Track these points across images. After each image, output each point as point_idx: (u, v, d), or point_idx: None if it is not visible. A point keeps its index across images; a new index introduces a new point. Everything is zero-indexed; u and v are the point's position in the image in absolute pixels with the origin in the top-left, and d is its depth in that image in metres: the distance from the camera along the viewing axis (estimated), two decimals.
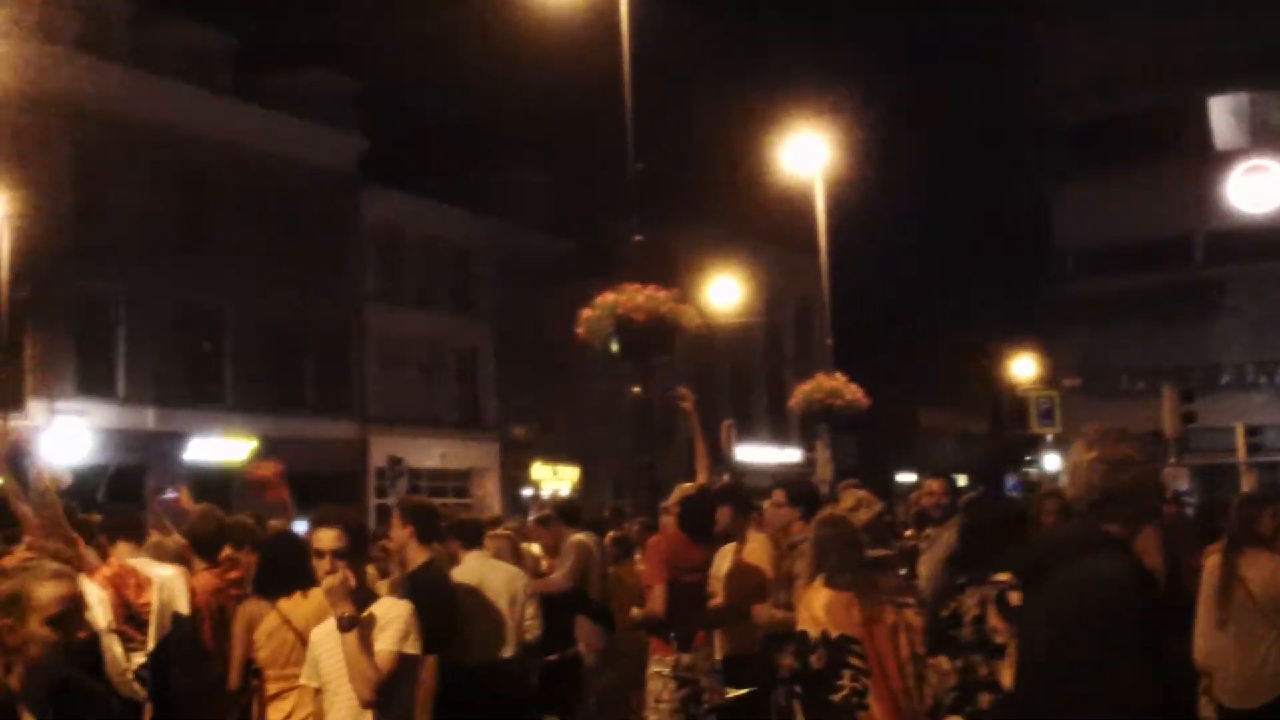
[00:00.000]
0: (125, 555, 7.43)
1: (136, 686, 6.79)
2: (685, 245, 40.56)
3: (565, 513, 10.88)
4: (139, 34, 32.04)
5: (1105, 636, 3.31)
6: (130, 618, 6.93)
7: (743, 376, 50.55)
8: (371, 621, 5.05)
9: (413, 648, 5.10)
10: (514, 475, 41.00)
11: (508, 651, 7.98)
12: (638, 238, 14.65)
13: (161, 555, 7.82)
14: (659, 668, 7.76)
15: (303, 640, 6.22)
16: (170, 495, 10.04)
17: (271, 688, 6.46)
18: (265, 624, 6.51)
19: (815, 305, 42.43)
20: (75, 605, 3.83)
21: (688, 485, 8.42)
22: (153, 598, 7.09)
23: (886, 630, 5.75)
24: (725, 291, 38.68)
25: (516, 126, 42.92)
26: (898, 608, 5.92)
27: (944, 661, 5.64)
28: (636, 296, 13.20)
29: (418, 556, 7.21)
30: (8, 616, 3.71)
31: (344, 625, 4.96)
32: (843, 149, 24.61)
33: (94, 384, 30.12)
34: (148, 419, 31.10)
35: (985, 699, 5.37)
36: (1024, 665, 3.70)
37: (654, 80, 18.07)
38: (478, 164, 41.81)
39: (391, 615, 5.10)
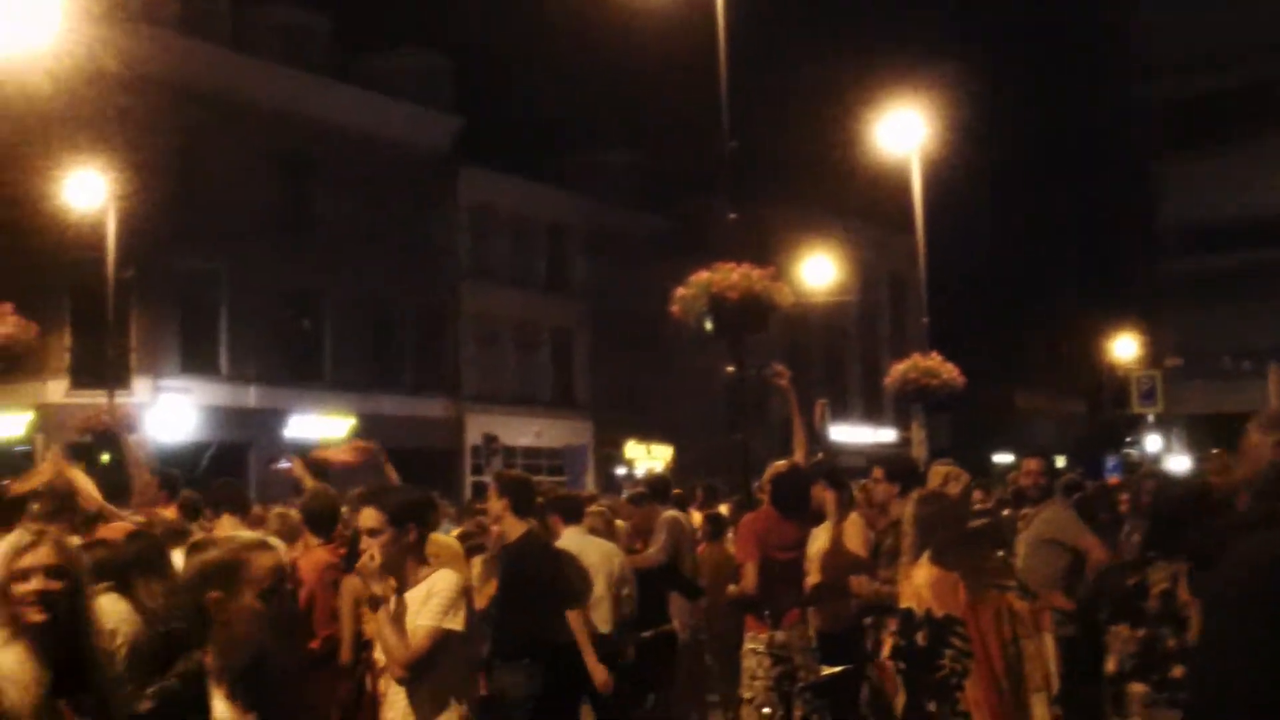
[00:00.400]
0: (229, 527, 7.59)
1: None
2: (780, 223, 40.34)
3: (658, 490, 10.91)
4: (240, 16, 32.57)
5: (1277, 616, 3.27)
6: None
7: (836, 356, 50.26)
8: (403, 606, 5.04)
9: (455, 623, 5.03)
10: (607, 453, 41.16)
11: (605, 626, 8.08)
12: (732, 216, 14.60)
13: (282, 528, 7.97)
14: (754, 645, 7.78)
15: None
16: (283, 465, 10.23)
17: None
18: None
19: (910, 284, 42.09)
20: (282, 577, 3.85)
21: (780, 463, 8.41)
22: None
23: (991, 612, 5.70)
24: (819, 270, 38.41)
25: (611, 105, 42.96)
26: (1000, 590, 5.88)
27: (1124, 629, 5.74)
28: (731, 274, 13.18)
29: (515, 528, 7.33)
30: (219, 589, 3.67)
31: (372, 604, 5.02)
32: (939, 126, 24.32)
33: (197, 362, 30.73)
34: (249, 396, 31.67)
35: (1178, 670, 5.38)
36: (1200, 642, 3.71)
37: (749, 55, 18.00)
38: (572, 143, 41.97)
39: (438, 589, 5.05)
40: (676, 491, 11.93)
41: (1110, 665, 5.77)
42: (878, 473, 8.42)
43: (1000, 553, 8.15)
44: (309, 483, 8.85)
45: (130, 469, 8.07)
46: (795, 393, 9.21)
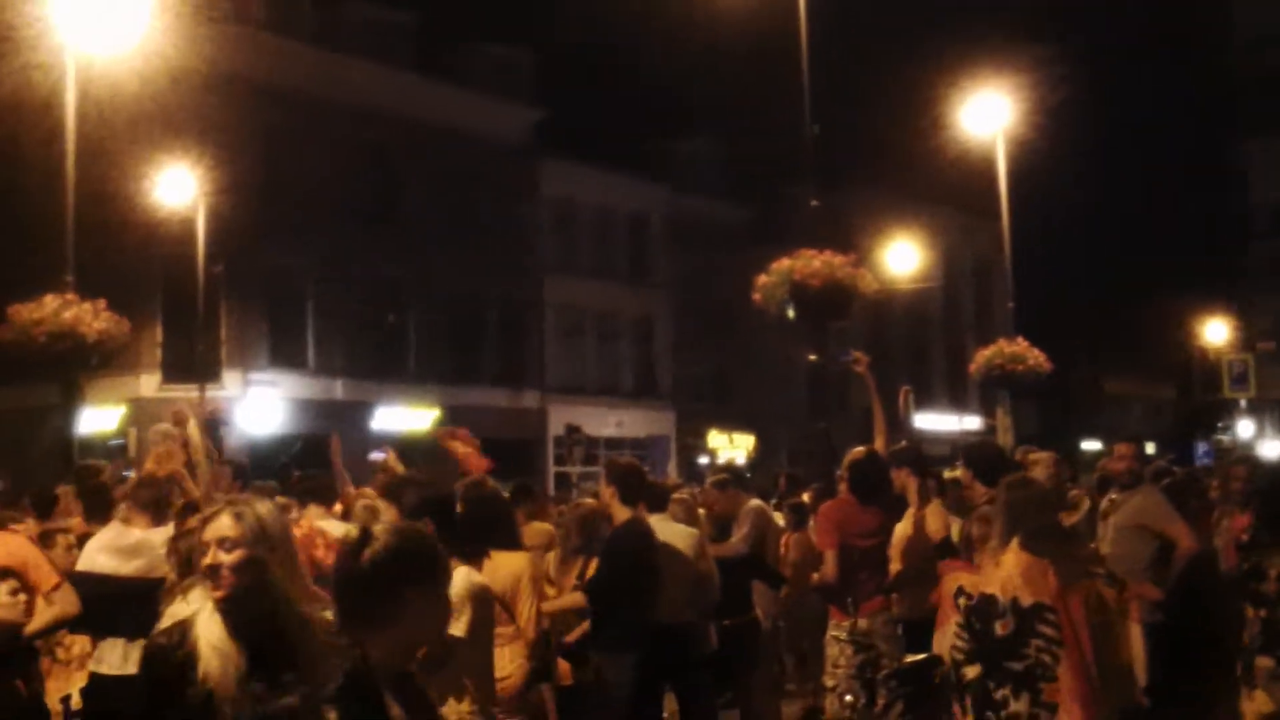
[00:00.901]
0: (315, 517, 7.71)
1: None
2: (862, 209, 40.09)
3: (741, 478, 10.91)
4: (323, 13, 32.93)
5: None
6: (319, 578, 7.17)
7: (920, 342, 49.87)
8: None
9: (456, 629, 5.04)
10: (689, 443, 41.17)
11: (689, 614, 8.11)
12: (814, 202, 14.56)
13: (370, 519, 8.10)
14: (836, 632, 7.77)
15: (501, 600, 6.48)
16: (378, 455, 10.40)
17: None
18: (455, 585, 6.67)
19: (995, 269, 41.58)
20: None
21: (858, 449, 8.37)
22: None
23: (1081, 599, 5.60)
24: (903, 256, 38.11)
25: (692, 93, 42.86)
26: (1090, 577, 5.79)
27: (1248, 610, 5.88)
28: (813, 262, 13.17)
29: (620, 514, 7.46)
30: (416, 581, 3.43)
31: None
32: (1025, 108, 24.00)
33: (285, 356, 31.19)
34: (336, 389, 32.08)
35: None
36: None
37: (830, 40, 17.88)
38: (653, 132, 41.90)
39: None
40: (781, 481, 11.94)
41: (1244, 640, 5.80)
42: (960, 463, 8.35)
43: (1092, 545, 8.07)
44: (400, 469, 9.00)
45: (198, 460, 8.23)
46: (875, 379, 9.15)
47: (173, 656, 3.49)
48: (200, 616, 3.56)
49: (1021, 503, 5.89)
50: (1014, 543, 5.73)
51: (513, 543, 6.85)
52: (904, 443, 9.38)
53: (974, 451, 8.07)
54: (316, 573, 7.28)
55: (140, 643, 6.69)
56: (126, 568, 6.90)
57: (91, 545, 7.10)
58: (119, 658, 6.74)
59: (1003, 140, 22.71)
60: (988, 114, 22.89)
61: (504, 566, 6.59)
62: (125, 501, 7.48)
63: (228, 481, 9.06)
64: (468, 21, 37.19)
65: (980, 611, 5.70)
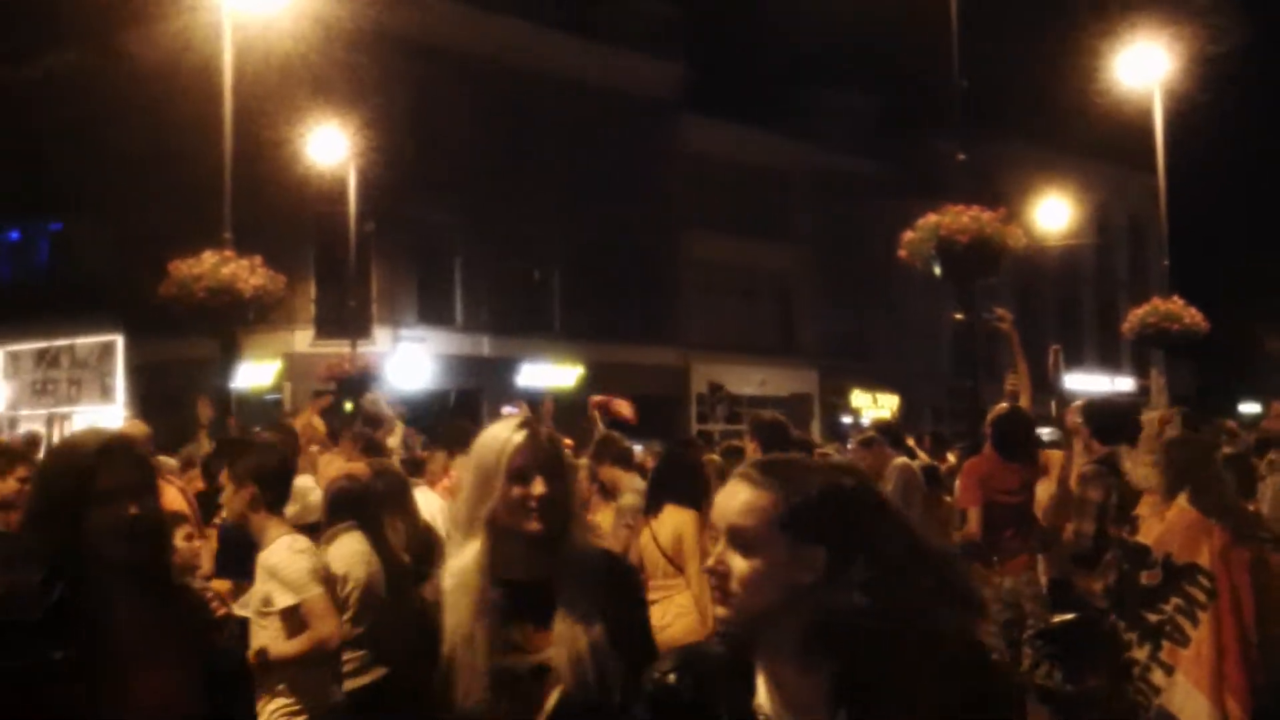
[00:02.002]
0: (462, 469, 7.85)
1: None
2: (1011, 163, 39.27)
3: (890, 434, 10.80)
4: None
5: None
6: None
7: (1071, 300, 48.80)
8: None
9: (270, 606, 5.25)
10: (832, 402, 40.92)
11: None
12: (961, 156, 14.32)
13: None
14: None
15: (665, 555, 6.62)
16: (511, 409, 10.62)
17: (650, 595, 6.82)
18: (641, 537, 6.87)
19: (1151, 225, 40.43)
20: None
21: (1002, 405, 8.26)
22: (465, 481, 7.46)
23: (1246, 564, 5.46)
24: (1053, 211, 37.28)
25: (835, 47, 42.17)
26: (1259, 542, 5.65)
27: None
28: (960, 217, 12.99)
29: None
30: None
31: None
32: (1183, 58, 23.24)
33: (433, 312, 31.69)
34: (483, 345, 32.53)
35: None
36: None
37: None
38: (795, 87, 41.46)
39: None
40: (925, 440, 11.81)
41: None
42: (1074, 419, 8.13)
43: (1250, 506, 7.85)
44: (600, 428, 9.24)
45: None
46: (1019, 336, 8.99)
47: None
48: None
49: (1185, 458, 5.77)
50: (1180, 498, 5.61)
51: (691, 500, 6.94)
52: (1054, 404, 9.19)
53: (1093, 408, 7.88)
54: None
55: None
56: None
57: None
58: None
59: (1160, 92, 22.03)
60: (1144, 65, 22.21)
61: (669, 521, 6.80)
62: None
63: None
64: None
65: (1132, 556, 5.62)
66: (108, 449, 3.09)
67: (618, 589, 3.22)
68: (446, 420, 19.25)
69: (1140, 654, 5.44)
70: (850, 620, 2.16)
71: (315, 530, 6.70)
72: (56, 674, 2.84)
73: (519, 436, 3.20)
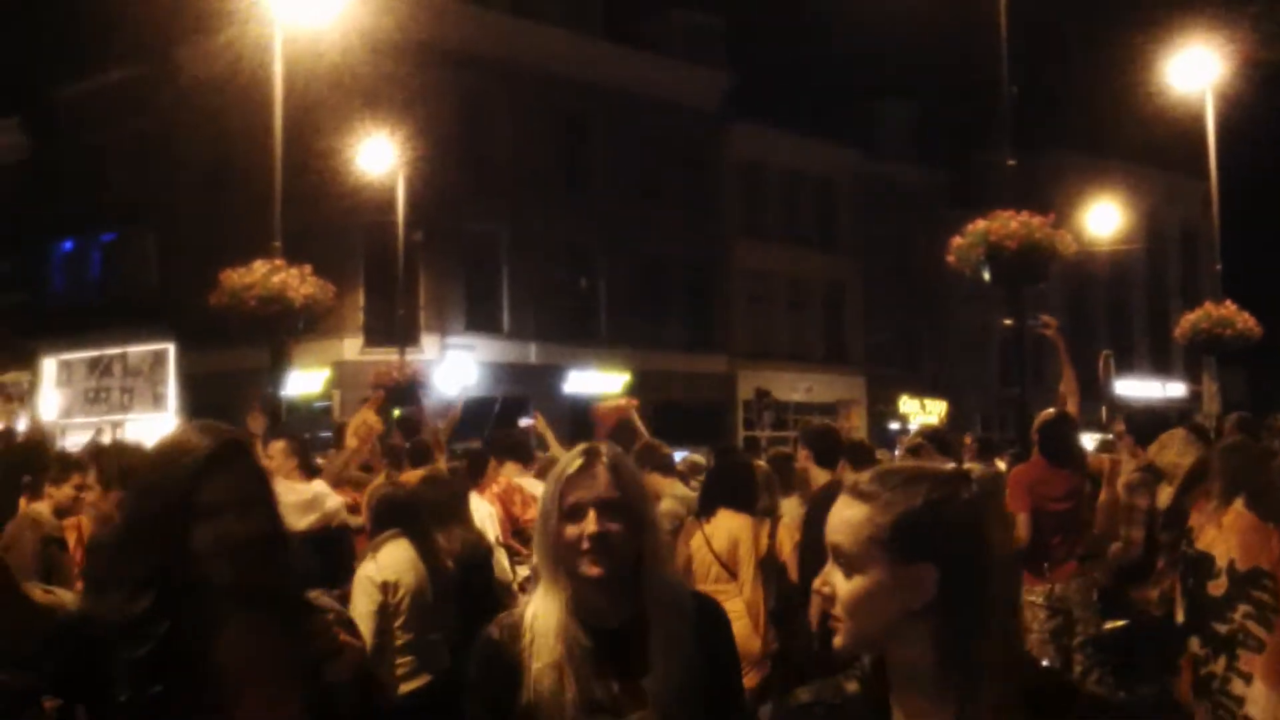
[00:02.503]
0: (512, 474, 7.90)
1: (520, 596, 7.25)
2: (1061, 170, 39.04)
3: (937, 441, 10.75)
4: None
5: None
6: (516, 532, 7.38)
7: (1122, 306, 48.39)
8: None
9: None
10: (880, 409, 40.77)
11: None
12: (1011, 162, 14.23)
13: None
14: (1031, 597, 7.65)
15: (719, 560, 6.68)
16: (526, 422, 10.72)
17: None
18: (693, 542, 6.94)
19: (1202, 231, 40.07)
20: None
21: (1049, 411, 8.23)
22: (537, 514, 7.52)
23: None
24: (1104, 217, 36.95)
25: (882, 55, 42.06)
26: None
27: None
28: (1010, 223, 12.91)
29: (819, 478, 7.52)
30: None
31: None
32: (1235, 63, 22.99)
33: (481, 320, 31.83)
34: (530, 353, 32.63)
35: None
36: None
37: None
38: (843, 95, 41.40)
39: None
40: (972, 445, 11.76)
41: None
42: (1118, 426, 8.13)
43: None
44: (548, 436, 9.28)
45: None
46: (1065, 341, 8.93)
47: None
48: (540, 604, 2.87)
49: (1240, 464, 5.72)
50: (1237, 503, 5.56)
51: (745, 506, 7.04)
52: (1105, 410, 9.14)
53: (1135, 416, 7.87)
54: (513, 527, 7.48)
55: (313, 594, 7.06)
56: (301, 523, 7.13)
57: None
58: None
59: (1212, 96, 21.81)
60: (1196, 69, 22.00)
61: (724, 525, 6.88)
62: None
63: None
64: None
65: (1196, 568, 5.57)
66: (217, 455, 2.67)
67: (710, 635, 2.90)
68: (493, 428, 19.37)
69: (1217, 667, 5.39)
70: (969, 648, 1.95)
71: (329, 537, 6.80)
72: (154, 712, 2.52)
73: (573, 466, 2.84)
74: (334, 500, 7.43)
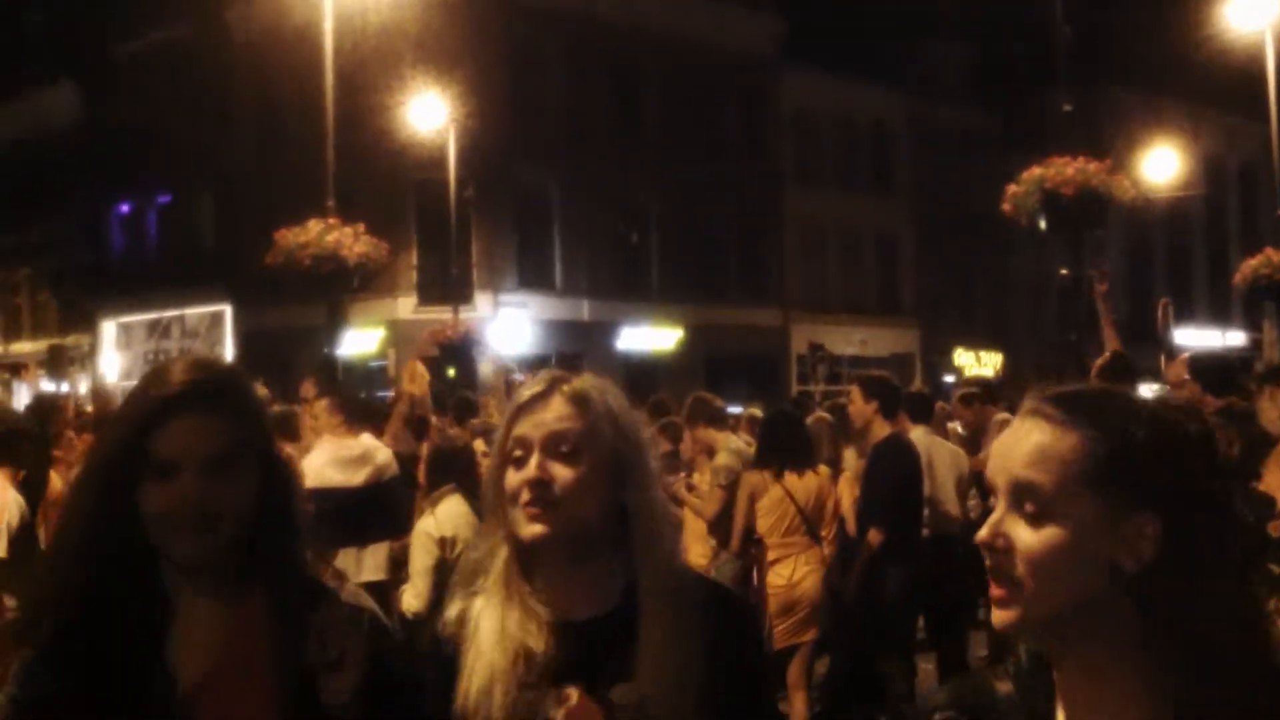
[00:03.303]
0: None
1: None
2: (1118, 113, 38.46)
3: (990, 391, 10.70)
4: None
5: None
6: None
7: (1181, 252, 47.76)
8: None
9: None
10: (935, 360, 40.50)
11: (954, 528, 8.14)
12: (1066, 107, 14.07)
13: None
14: None
15: (803, 513, 6.81)
16: (517, 379, 10.76)
17: (772, 554, 7.10)
18: (770, 495, 7.01)
19: (1263, 175, 39.34)
20: None
21: (1105, 355, 8.13)
22: None
23: None
24: (1162, 161, 36.39)
25: None
26: None
27: None
28: (1065, 169, 12.76)
29: (881, 430, 7.51)
30: None
31: None
32: None
33: (533, 277, 31.83)
34: (583, 310, 32.62)
35: None
36: None
37: None
38: (896, 37, 40.81)
39: None
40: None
41: None
42: (1179, 368, 7.92)
43: None
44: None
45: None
46: (1110, 306, 8.61)
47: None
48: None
49: None
50: None
51: (810, 461, 7.36)
52: (1163, 358, 8.99)
53: (1200, 362, 7.69)
54: None
55: (372, 548, 7.10)
56: (356, 478, 7.20)
57: (316, 461, 7.23)
58: (353, 566, 7.01)
59: (1271, 36, 21.36)
60: (1255, 7, 21.53)
61: (806, 480, 7.21)
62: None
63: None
64: None
65: (1257, 507, 5.47)
66: (179, 399, 2.02)
67: (725, 635, 2.11)
68: None
69: (1273, 605, 5.35)
70: (1198, 623, 1.46)
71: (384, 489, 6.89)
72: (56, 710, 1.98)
73: (526, 395, 2.14)
74: (384, 453, 7.50)
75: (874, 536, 7.11)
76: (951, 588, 7.91)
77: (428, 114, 26.32)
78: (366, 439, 7.49)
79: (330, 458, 7.25)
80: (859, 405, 7.62)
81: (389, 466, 7.38)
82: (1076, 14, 14.29)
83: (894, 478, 7.35)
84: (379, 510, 7.14)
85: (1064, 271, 17.29)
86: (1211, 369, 7.46)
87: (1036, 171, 12.91)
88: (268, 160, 30.94)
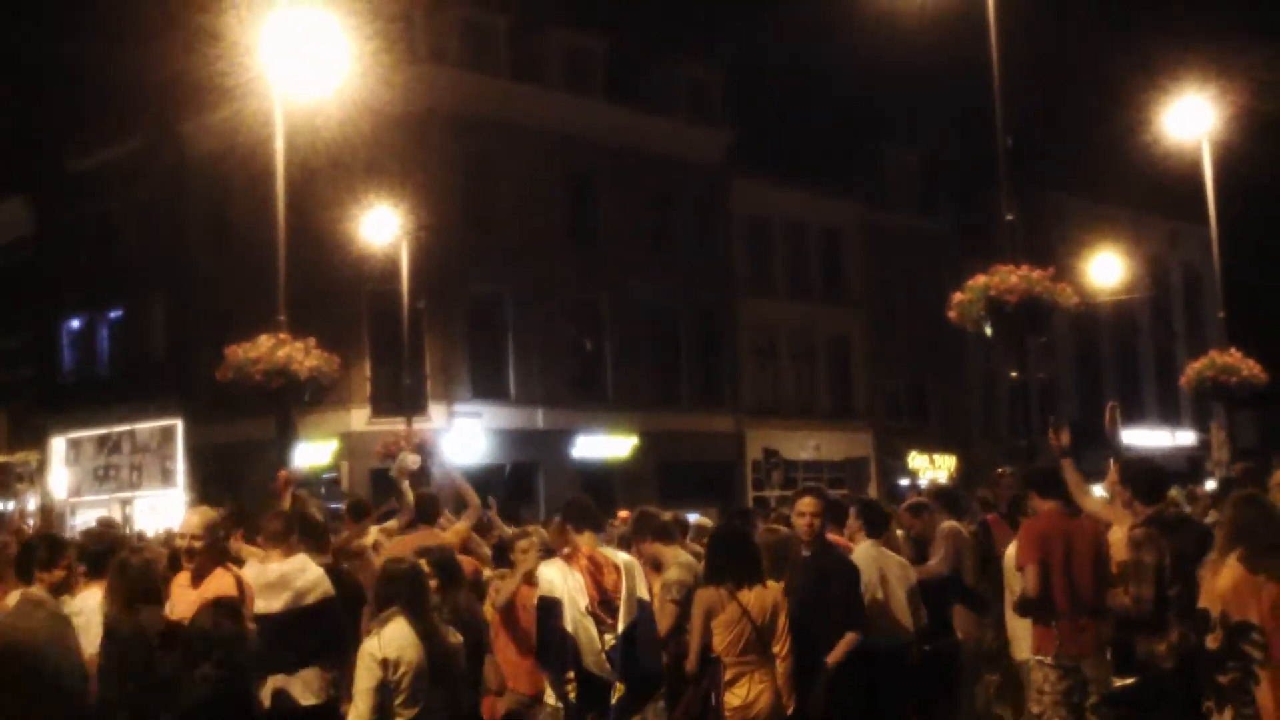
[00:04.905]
0: (590, 544, 7.72)
1: (606, 665, 7.17)
2: (1062, 218, 39.21)
3: (943, 498, 10.74)
4: (518, 45, 33.53)
5: None
6: (604, 602, 7.32)
7: (1129, 354, 48.31)
8: None
9: None
10: (890, 464, 40.61)
11: (905, 636, 8.18)
12: (1009, 217, 14.24)
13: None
14: (1041, 656, 7.56)
15: (758, 630, 6.76)
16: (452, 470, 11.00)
17: (729, 673, 6.99)
18: (727, 612, 6.93)
19: (1205, 276, 40.08)
20: None
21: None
22: (623, 583, 7.46)
23: None
24: (1107, 266, 36.98)
25: (884, 106, 42.12)
26: None
27: None
28: (1010, 277, 12.93)
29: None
30: None
31: None
32: (1233, 112, 23.10)
33: (487, 386, 31.74)
34: (538, 418, 32.53)
35: None
36: None
37: (1024, 44, 17.53)
38: (845, 147, 41.45)
39: None
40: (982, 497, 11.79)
41: None
42: (1113, 474, 8.06)
43: None
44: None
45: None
46: (1070, 456, 8.59)
47: None
48: None
49: (1249, 519, 5.75)
50: (1232, 557, 5.61)
51: (758, 577, 7.20)
52: (1112, 462, 9.08)
53: (1130, 469, 7.77)
54: (601, 597, 7.39)
55: (304, 673, 6.98)
56: (276, 604, 7.10)
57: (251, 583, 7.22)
58: (294, 689, 6.96)
59: (1209, 144, 21.90)
60: (1192, 117, 22.10)
61: (760, 596, 7.10)
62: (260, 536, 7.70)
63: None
64: (658, 44, 37.39)
65: (1197, 623, 5.63)
66: None
67: None
68: (504, 495, 19.34)
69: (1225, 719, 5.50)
70: None
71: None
72: None
73: None
74: (306, 576, 7.30)
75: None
76: (900, 694, 7.97)
77: (380, 226, 26.44)
78: (294, 560, 7.34)
79: (252, 580, 7.19)
80: (851, 523, 7.90)
81: (311, 590, 7.21)
82: (1020, 120, 14.57)
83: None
84: (305, 634, 7.01)
85: (1013, 375, 17.41)
86: (1142, 475, 7.54)
87: (981, 279, 13.08)
88: (220, 272, 30.96)
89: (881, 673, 7.70)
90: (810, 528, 7.85)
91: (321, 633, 6.93)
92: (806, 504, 7.92)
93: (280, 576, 7.17)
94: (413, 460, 10.75)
